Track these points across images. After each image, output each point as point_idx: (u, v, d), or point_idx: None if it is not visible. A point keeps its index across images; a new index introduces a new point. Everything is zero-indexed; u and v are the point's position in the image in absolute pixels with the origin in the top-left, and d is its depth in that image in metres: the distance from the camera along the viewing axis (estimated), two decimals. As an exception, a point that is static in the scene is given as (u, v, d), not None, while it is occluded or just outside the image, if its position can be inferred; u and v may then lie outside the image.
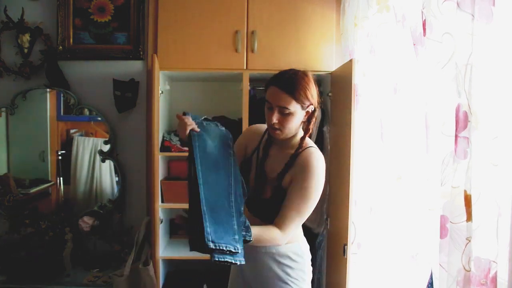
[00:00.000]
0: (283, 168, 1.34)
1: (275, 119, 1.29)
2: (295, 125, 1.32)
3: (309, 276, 1.45)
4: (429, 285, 1.34)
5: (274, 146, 1.43)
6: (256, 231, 1.22)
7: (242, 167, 1.41)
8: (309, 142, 1.39)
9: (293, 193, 1.29)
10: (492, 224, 0.95)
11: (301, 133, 1.39)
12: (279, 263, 1.37)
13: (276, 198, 1.33)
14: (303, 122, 1.36)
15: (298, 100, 1.27)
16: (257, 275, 1.41)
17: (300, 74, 1.31)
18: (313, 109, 1.34)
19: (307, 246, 1.47)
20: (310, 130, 1.37)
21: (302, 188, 1.28)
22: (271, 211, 1.32)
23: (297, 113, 1.30)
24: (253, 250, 1.33)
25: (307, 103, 1.30)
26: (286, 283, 1.37)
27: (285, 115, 1.29)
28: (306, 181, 1.28)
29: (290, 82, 1.28)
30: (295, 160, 1.34)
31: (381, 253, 1.69)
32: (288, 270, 1.38)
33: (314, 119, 1.36)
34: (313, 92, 1.31)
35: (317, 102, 1.34)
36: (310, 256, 1.47)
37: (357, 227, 1.85)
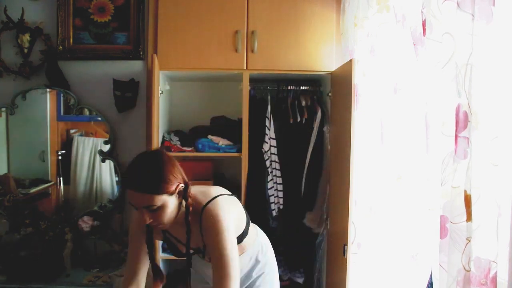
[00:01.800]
0: (186, 235, 1.27)
1: (148, 219, 1.18)
2: (172, 213, 1.22)
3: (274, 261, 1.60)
4: (429, 285, 1.34)
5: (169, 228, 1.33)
6: None
7: (168, 247, 1.46)
8: (199, 200, 1.29)
9: (211, 246, 1.23)
10: (492, 224, 0.95)
11: (186, 211, 1.26)
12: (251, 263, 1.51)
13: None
14: (180, 203, 1.25)
15: (161, 191, 1.15)
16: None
17: (150, 165, 1.19)
18: (184, 186, 1.23)
19: (267, 240, 1.61)
20: (189, 199, 1.24)
21: (214, 244, 1.22)
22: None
23: (168, 203, 1.18)
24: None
25: (173, 187, 1.18)
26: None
27: (156, 211, 1.17)
28: (213, 239, 1.22)
29: (143, 179, 1.16)
30: (198, 224, 1.26)
31: (381, 253, 1.69)
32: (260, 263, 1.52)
33: (189, 193, 1.25)
34: (173, 172, 1.19)
35: (183, 176, 1.24)
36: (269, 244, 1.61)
37: (357, 227, 1.85)
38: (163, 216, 1.19)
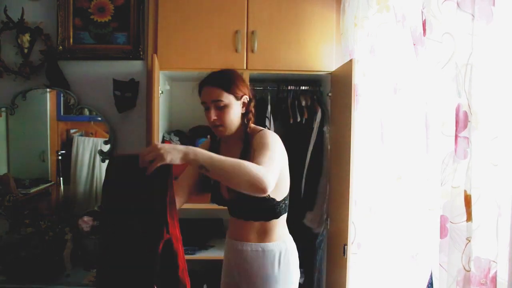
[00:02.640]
0: (240, 155, 1.32)
1: (213, 115, 1.33)
2: (234, 118, 1.35)
3: (295, 275, 1.46)
4: (429, 285, 1.34)
5: (223, 146, 1.47)
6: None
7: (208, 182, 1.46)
8: (258, 127, 1.41)
9: (257, 151, 1.24)
10: (492, 224, 0.95)
11: (244, 125, 1.39)
12: (267, 261, 1.39)
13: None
14: (242, 114, 1.39)
15: (230, 91, 1.33)
16: (246, 275, 1.43)
17: (225, 70, 1.40)
18: (248, 99, 1.38)
19: (294, 246, 1.49)
20: (251, 118, 1.40)
21: (262, 144, 1.26)
22: (247, 206, 1.38)
23: (233, 105, 1.34)
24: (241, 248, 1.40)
25: (240, 93, 1.35)
26: (273, 281, 1.39)
27: (222, 109, 1.33)
28: (264, 139, 1.28)
29: (217, 77, 1.36)
30: (250, 143, 1.33)
31: (381, 253, 1.69)
32: (275, 268, 1.39)
33: (252, 109, 1.40)
34: (241, 83, 1.37)
35: (250, 93, 1.39)
36: (296, 255, 1.48)
37: (357, 227, 1.85)
38: (226, 115, 1.33)
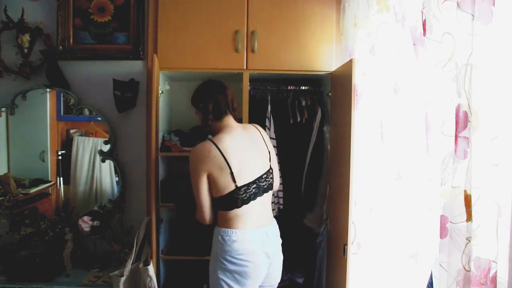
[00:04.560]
0: None
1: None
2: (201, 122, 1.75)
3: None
4: (429, 285, 1.34)
5: None
6: None
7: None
8: (217, 130, 1.69)
9: None
10: (492, 224, 0.95)
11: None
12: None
13: None
14: (201, 118, 1.74)
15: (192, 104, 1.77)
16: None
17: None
18: (202, 105, 1.71)
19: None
20: (207, 125, 1.71)
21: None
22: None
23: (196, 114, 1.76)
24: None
25: (196, 103, 1.74)
26: None
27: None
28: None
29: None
30: None
31: (381, 253, 1.69)
32: None
33: (209, 114, 1.69)
34: (199, 95, 1.74)
35: (205, 101, 1.70)
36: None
37: (357, 227, 1.85)
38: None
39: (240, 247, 1.57)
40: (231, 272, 1.56)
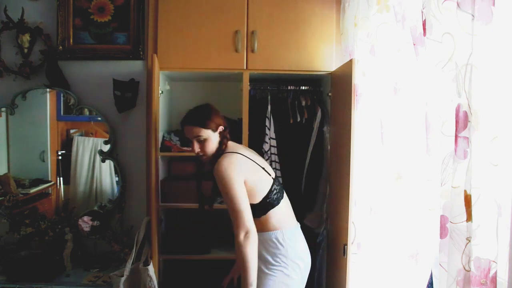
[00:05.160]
0: (212, 186, 1.71)
1: (197, 148, 1.65)
2: (213, 146, 1.65)
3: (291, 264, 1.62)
4: (429, 285, 1.34)
5: (205, 162, 1.73)
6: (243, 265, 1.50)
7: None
8: (229, 146, 1.68)
9: (224, 198, 1.56)
10: (492, 224, 0.95)
11: (220, 149, 1.66)
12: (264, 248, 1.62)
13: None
14: (219, 141, 1.66)
15: (207, 127, 1.62)
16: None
17: (201, 108, 1.68)
18: (223, 128, 1.67)
19: (291, 234, 1.66)
20: (223, 145, 1.66)
21: (223, 193, 1.54)
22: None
23: (211, 137, 1.63)
24: None
25: (215, 126, 1.64)
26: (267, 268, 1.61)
27: (202, 142, 1.63)
28: (221, 185, 1.53)
29: (194, 116, 1.65)
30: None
31: (381, 253, 1.69)
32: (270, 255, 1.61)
33: (227, 135, 1.68)
34: (215, 116, 1.66)
35: (224, 122, 1.68)
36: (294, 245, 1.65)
37: (357, 227, 1.85)
38: (206, 147, 1.64)
39: (297, 245, 1.66)
40: (295, 272, 1.62)
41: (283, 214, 1.68)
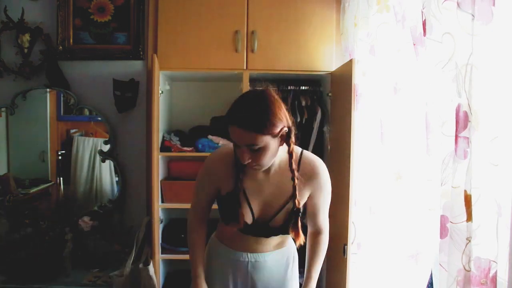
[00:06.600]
0: (293, 191, 1.26)
1: (247, 158, 1.16)
2: (272, 156, 1.18)
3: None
4: (429, 285, 1.34)
5: (259, 173, 1.30)
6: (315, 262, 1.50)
7: (227, 203, 1.33)
8: (295, 148, 1.29)
9: (322, 202, 1.37)
10: (492, 224, 0.95)
11: (284, 148, 1.26)
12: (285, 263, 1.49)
13: (290, 219, 1.30)
14: (281, 144, 1.21)
15: (266, 133, 1.12)
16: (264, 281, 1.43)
17: (259, 100, 1.16)
18: (287, 130, 1.18)
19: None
20: (292, 145, 1.23)
21: (327, 194, 1.37)
22: (284, 228, 1.33)
23: (270, 144, 1.14)
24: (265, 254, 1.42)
25: (277, 129, 1.14)
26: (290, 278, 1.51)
27: (257, 151, 1.15)
28: (326, 186, 1.35)
29: (250, 117, 1.12)
30: (299, 171, 1.27)
31: (381, 253, 1.69)
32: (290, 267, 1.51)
33: (293, 135, 1.22)
34: (278, 113, 1.14)
35: (288, 119, 1.19)
36: None
37: (357, 227, 1.85)
38: (263, 157, 1.16)
39: None
40: None
41: None
